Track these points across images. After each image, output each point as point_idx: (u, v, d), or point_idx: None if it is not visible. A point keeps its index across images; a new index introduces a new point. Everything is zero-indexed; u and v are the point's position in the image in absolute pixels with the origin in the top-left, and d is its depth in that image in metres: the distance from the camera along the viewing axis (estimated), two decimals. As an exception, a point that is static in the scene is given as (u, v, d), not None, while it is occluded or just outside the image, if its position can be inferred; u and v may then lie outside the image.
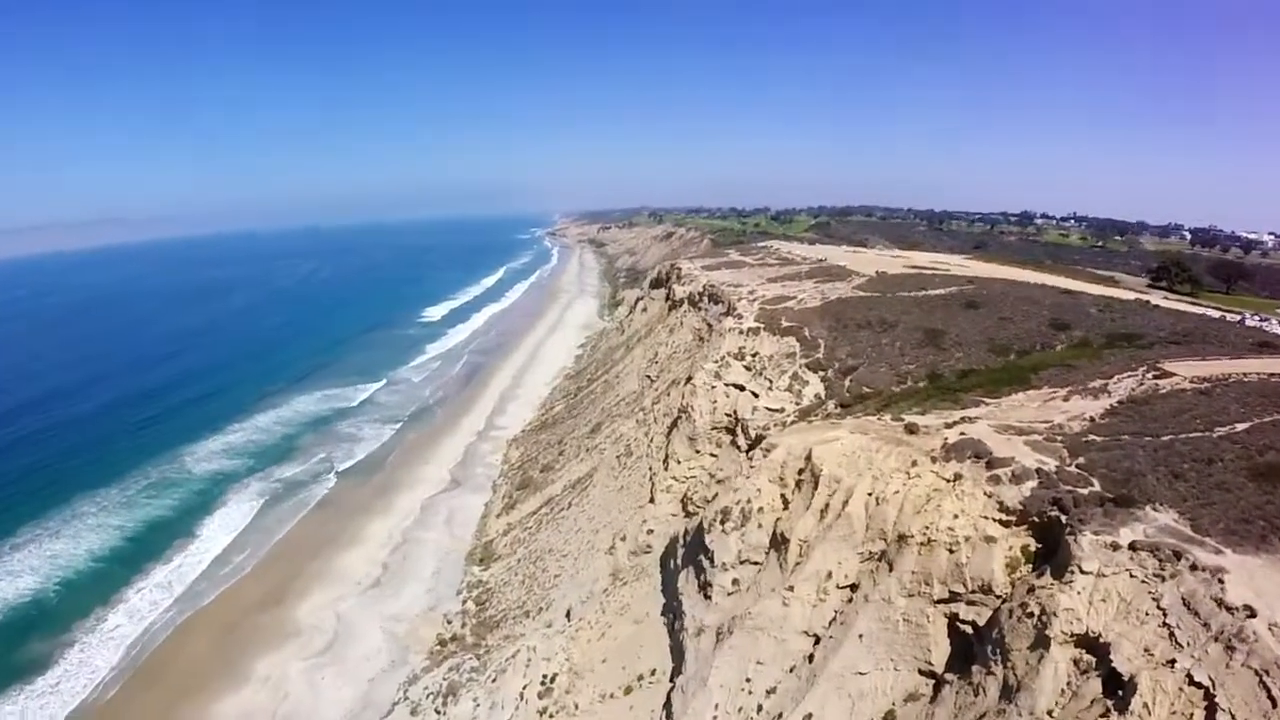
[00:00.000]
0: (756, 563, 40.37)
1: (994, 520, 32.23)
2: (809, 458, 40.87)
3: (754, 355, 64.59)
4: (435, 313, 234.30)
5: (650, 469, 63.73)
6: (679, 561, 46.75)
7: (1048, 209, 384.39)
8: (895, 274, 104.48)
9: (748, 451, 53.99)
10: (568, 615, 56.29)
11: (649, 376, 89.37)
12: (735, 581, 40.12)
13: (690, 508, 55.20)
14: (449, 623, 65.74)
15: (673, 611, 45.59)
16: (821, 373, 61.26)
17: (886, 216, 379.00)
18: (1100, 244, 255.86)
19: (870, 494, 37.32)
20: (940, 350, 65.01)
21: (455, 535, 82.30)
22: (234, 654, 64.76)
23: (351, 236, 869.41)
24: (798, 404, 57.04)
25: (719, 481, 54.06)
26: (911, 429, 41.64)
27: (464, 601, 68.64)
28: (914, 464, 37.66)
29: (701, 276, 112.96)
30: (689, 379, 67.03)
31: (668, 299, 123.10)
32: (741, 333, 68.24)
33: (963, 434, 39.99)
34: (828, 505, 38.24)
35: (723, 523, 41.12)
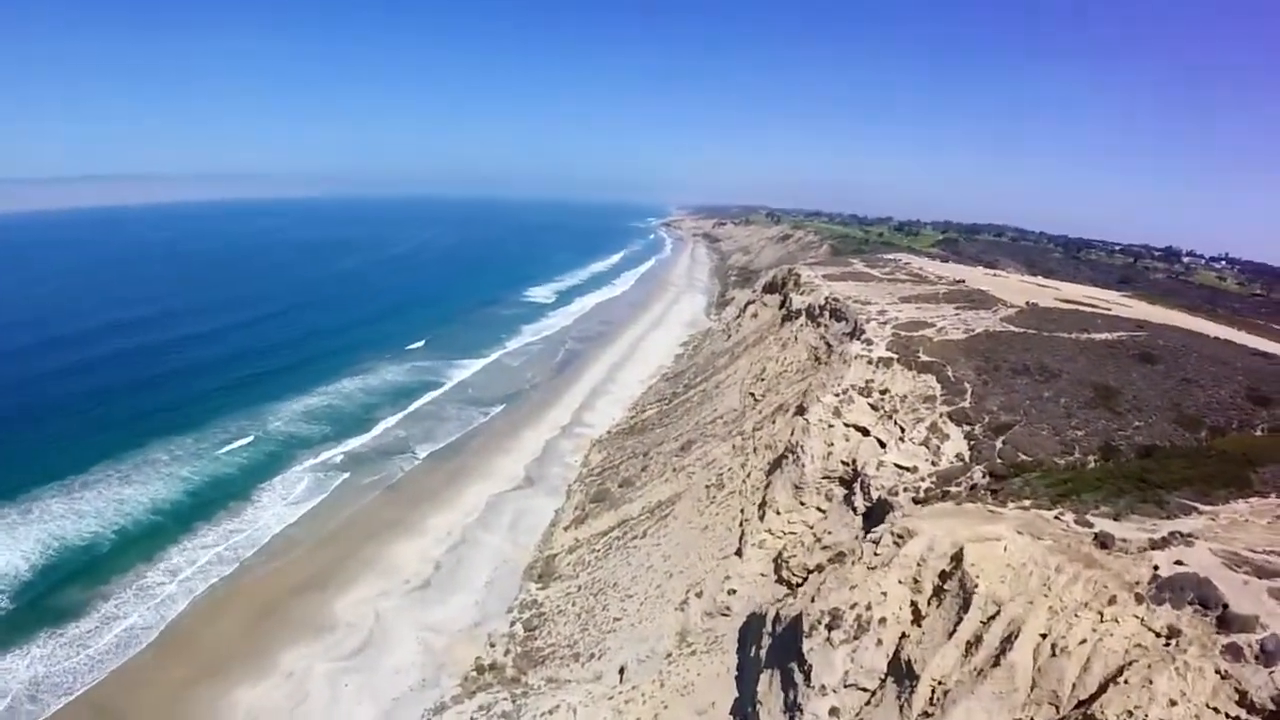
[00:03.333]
0: (867, 691, 29.93)
1: (1236, 723, 20.82)
2: (958, 560, 30.04)
3: (883, 393, 53.20)
4: (542, 294, 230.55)
5: (742, 512, 53.72)
6: (763, 654, 36.70)
7: (1193, 246, 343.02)
8: (1049, 308, 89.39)
9: (865, 519, 43.26)
10: (621, 674, 47.49)
11: (753, 394, 78.98)
12: (834, 712, 29.81)
13: (784, 572, 44.96)
14: (491, 646, 58.38)
15: (745, 718, 35.69)
16: (967, 426, 49.40)
17: (1018, 238, 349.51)
18: (1263, 292, 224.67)
19: (1045, 636, 26.26)
20: (1114, 414, 51.81)
21: (517, 542, 75.08)
22: (263, 639, 60.12)
23: (472, 208, 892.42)
24: (934, 464, 45.65)
25: (824, 548, 43.57)
26: (1104, 541, 29.95)
27: (513, 623, 61.15)
28: (1111, 601, 26.30)
29: (823, 287, 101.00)
30: (801, 409, 56.42)
31: (782, 307, 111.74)
32: (870, 362, 56.82)
33: (1179, 563, 28.09)
34: (980, 639, 27.39)
35: (829, 628, 30.82)
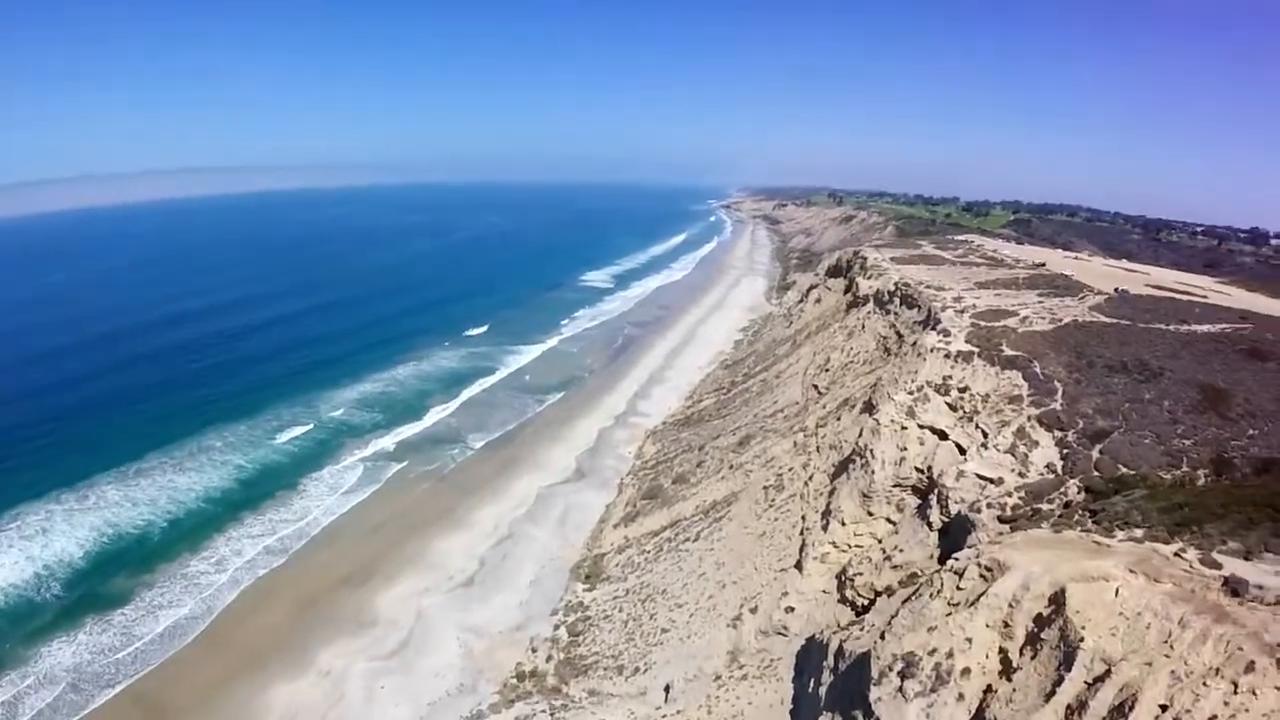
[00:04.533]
0: (947, 753, 25.48)
1: None
2: (1060, 603, 25.23)
3: (963, 391, 47.71)
4: (600, 278, 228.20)
5: (803, 519, 49.29)
6: (822, 691, 32.50)
7: (1273, 225, 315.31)
8: (1141, 295, 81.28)
9: (942, 536, 38.46)
10: (666, 692, 44.02)
11: (816, 386, 73.90)
12: (908, 774, 25.51)
13: (849, 592, 40.53)
14: (533, 651, 55.83)
15: (802, 764, 31.67)
16: (1059, 432, 43.72)
17: (1092, 219, 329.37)
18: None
19: (1165, 708, 21.37)
20: (1226, 421, 45.12)
21: (565, 539, 72.37)
22: (303, 634, 59.37)
23: (534, 194, 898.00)
24: (1022, 475, 40.31)
25: (894, 567, 38.96)
26: (1236, 588, 24.56)
27: (556, 626, 58.46)
28: (1249, 668, 21.21)
29: (892, 271, 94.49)
30: (870, 407, 51.47)
31: (847, 292, 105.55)
32: (948, 356, 51.19)
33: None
34: (1085, 704, 22.63)
35: (902, 676, 26.44)
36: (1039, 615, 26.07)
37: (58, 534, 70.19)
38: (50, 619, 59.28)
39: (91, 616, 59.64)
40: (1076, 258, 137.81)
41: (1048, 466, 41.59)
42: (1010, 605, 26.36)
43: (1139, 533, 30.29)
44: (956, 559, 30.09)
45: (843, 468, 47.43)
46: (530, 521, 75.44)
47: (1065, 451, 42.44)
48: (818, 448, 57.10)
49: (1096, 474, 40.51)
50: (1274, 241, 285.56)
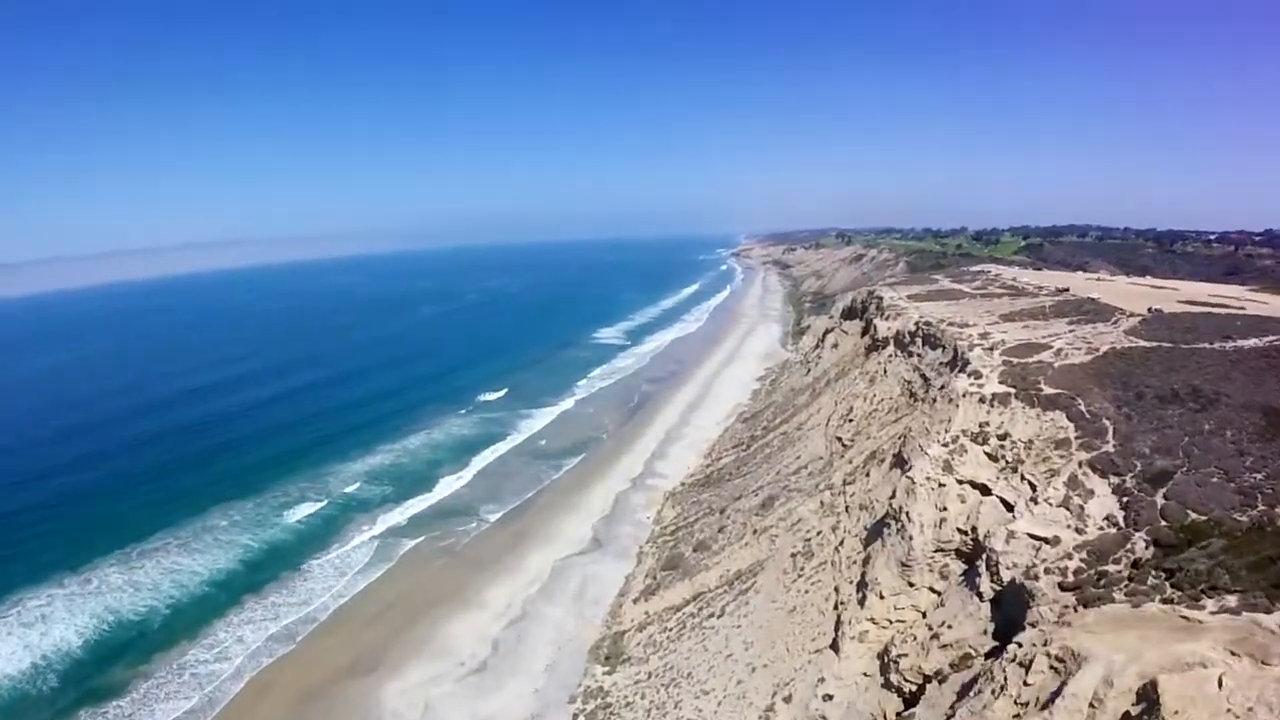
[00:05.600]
0: None
1: None
2: (1151, 699, 21.02)
3: (1003, 438, 43.56)
4: (612, 334, 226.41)
5: (836, 591, 44.83)
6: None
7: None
8: (1176, 313, 77.10)
9: (994, 607, 34.20)
10: (699, 797, 39.21)
11: (840, 439, 69.77)
12: None
13: (894, 675, 36.02)
14: (552, 747, 51.05)
15: None
16: (1115, 477, 39.35)
17: (1103, 237, 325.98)
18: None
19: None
20: (1298, 446, 40.80)
21: (583, 615, 67.82)
22: (304, 732, 55.02)
23: (540, 254, 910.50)
24: (1079, 531, 35.97)
25: (943, 646, 34.56)
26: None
27: (575, 716, 53.74)
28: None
29: (910, 309, 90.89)
30: (901, 461, 47.46)
31: (865, 334, 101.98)
32: (982, 400, 47.16)
33: None
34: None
35: (969, 798, 22.11)
36: (1126, 714, 21.84)
37: (58, 621, 68.20)
38: (46, 717, 56.73)
39: (86, 711, 56.90)
40: (1099, 279, 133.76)
41: (1107, 519, 37.18)
42: (1092, 706, 22.09)
43: (1231, 600, 26.02)
44: (1019, 644, 25.89)
45: (876, 532, 43.17)
46: (545, 599, 71.07)
47: (1125, 499, 38.03)
48: (846, 507, 52.85)
49: (1164, 524, 35.99)
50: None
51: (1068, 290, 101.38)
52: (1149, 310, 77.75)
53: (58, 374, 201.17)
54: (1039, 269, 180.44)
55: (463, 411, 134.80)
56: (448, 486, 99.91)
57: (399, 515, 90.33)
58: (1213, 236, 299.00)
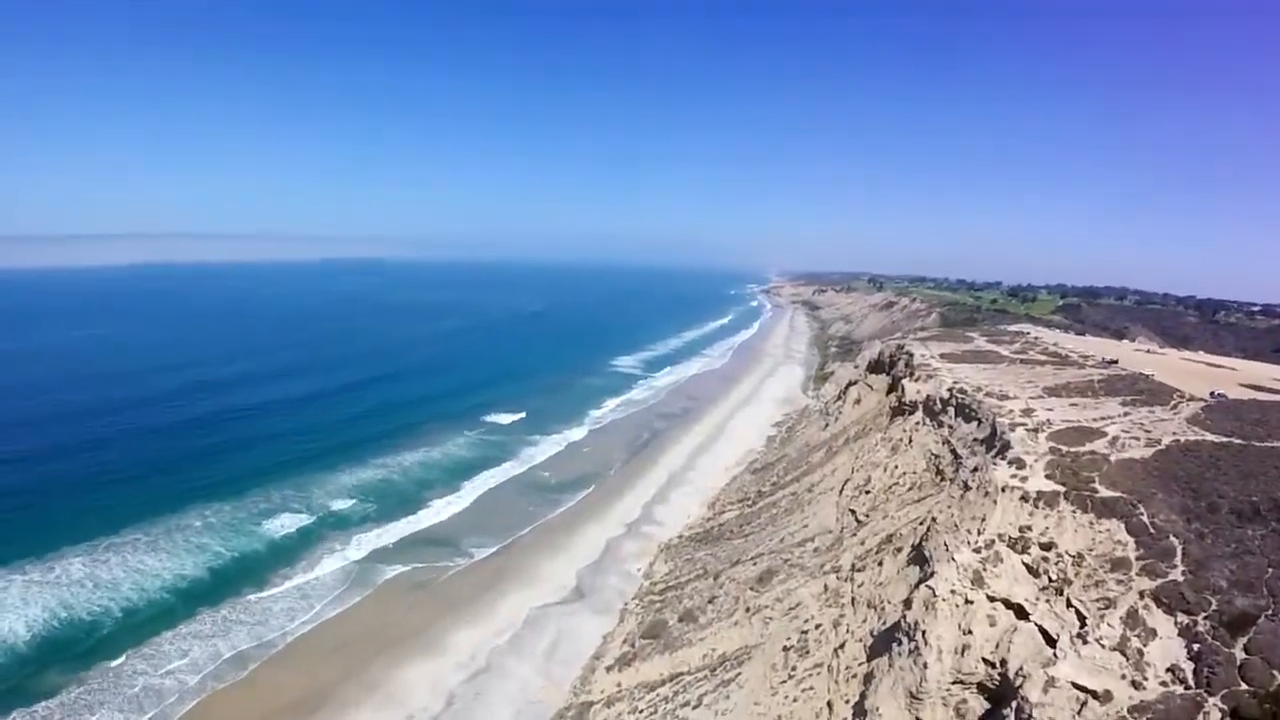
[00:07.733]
0: None
1: None
2: None
3: (1047, 548, 36.64)
4: (631, 363, 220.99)
5: (829, 709, 37.92)
6: None
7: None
8: (1242, 400, 68.90)
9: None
10: None
11: (853, 512, 62.88)
12: None
13: (893, 836, 29.14)
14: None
15: None
16: (1184, 616, 32.30)
17: (1142, 301, 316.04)
18: None
19: None
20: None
21: (550, 676, 61.27)
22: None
23: (573, 273, 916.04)
24: (1137, 686, 29.13)
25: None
26: None
27: (526, 804, 47.15)
28: None
29: (943, 371, 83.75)
30: (922, 559, 40.68)
31: (890, 392, 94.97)
32: (1025, 497, 40.25)
33: None
34: None
35: None
36: None
37: (10, 609, 65.69)
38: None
39: (18, 711, 53.89)
40: (1149, 351, 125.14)
41: (1171, 671, 30.21)
42: None
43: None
44: None
45: (884, 643, 36.35)
46: (513, 651, 64.62)
47: (1195, 647, 30.91)
48: (853, 599, 45.99)
49: (1245, 688, 29.04)
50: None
51: (1116, 363, 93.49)
52: (1211, 395, 69.90)
53: (69, 352, 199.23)
54: (1082, 333, 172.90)
55: (471, 432, 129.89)
56: (433, 510, 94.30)
57: (377, 539, 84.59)
58: (1256, 308, 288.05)
